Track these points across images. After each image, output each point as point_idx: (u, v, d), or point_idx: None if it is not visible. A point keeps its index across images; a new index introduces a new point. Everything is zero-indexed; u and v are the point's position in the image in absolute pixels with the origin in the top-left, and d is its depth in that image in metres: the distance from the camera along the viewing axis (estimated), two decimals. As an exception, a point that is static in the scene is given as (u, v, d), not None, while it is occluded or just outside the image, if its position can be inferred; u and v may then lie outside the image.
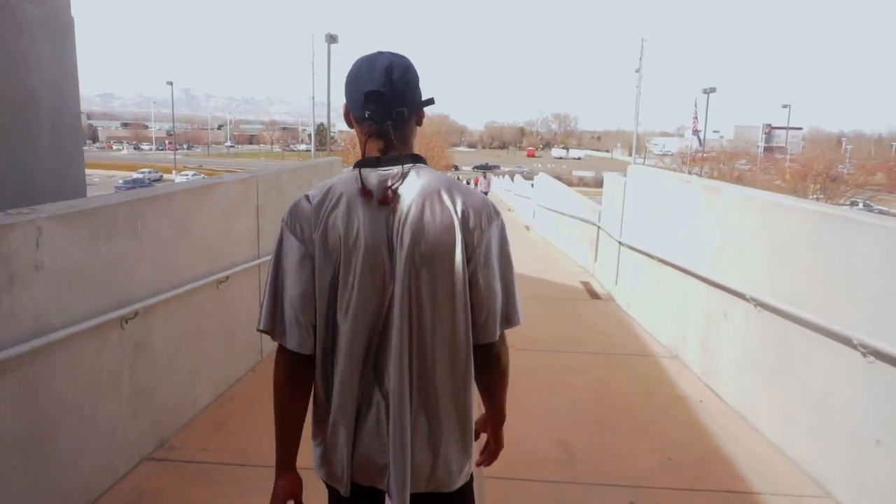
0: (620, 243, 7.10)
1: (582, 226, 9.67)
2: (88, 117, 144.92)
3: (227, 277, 3.93)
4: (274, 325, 1.34)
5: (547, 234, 14.00)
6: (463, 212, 1.32)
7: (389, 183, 1.31)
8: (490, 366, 1.44)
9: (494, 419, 1.58)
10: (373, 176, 1.32)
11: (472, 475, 1.46)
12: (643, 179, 6.54)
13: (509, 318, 1.42)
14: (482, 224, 1.33)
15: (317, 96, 31.62)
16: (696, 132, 54.28)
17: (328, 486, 1.45)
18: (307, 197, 1.34)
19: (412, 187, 1.31)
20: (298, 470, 1.46)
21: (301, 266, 1.32)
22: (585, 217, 9.32)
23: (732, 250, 4.25)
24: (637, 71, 33.17)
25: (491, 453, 1.63)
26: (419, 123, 1.42)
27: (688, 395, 4.34)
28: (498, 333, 1.40)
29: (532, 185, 21.70)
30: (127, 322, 2.87)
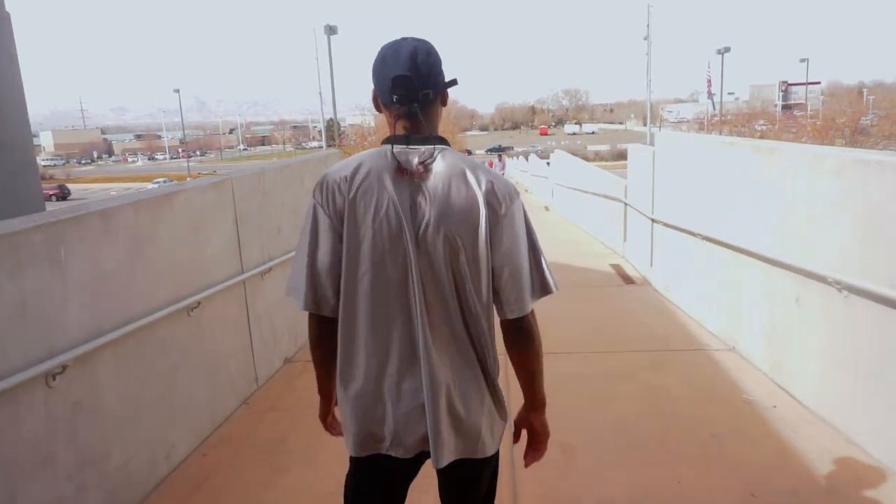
0: (653, 220, 6.37)
1: (606, 203, 8.92)
2: (103, 132, 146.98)
3: (199, 302, 3.32)
4: (297, 291, 1.44)
5: (567, 213, 13.25)
6: (487, 190, 1.38)
7: (420, 159, 1.38)
8: (523, 342, 1.48)
9: (535, 405, 1.58)
10: (402, 153, 1.38)
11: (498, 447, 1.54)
12: (675, 147, 5.79)
13: (544, 286, 1.47)
14: (506, 201, 1.39)
15: (324, 92, 31.04)
16: (710, 95, 52.70)
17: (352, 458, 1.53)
18: (335, 171, 1.40)
19: (439, 166, 1.38)
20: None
21: (327, 238, 1.40)
22: (610, 193, 8.58)
23: (801, 223, 3.52)
24: (645, 38, 31.93)
25: (537, 446, 1.61)
26: (444, 104, 1.48)
27: (756, 398, 3.64)
28: (530, 306, 1.45)
29: (548, 163, 20.89)
30: (55, 378, 2.27)
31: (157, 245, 3.04)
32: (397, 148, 1.38)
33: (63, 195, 43.35)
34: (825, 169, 3.29)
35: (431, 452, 1.41)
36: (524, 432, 1.61)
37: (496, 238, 1.38)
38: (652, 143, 6.45)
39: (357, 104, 30.43)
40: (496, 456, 1.55)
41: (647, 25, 31.95)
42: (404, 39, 1.41)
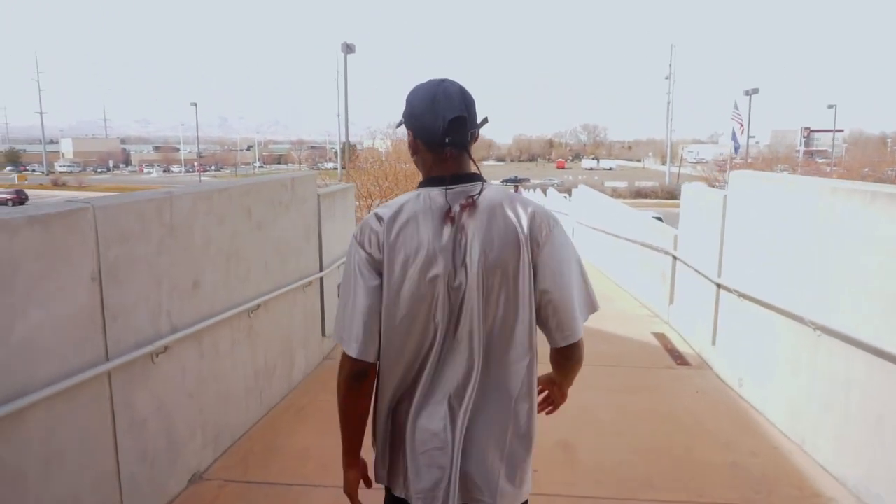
0: (720, 286, 4.84)
1: (646, 253, 7.40)
2: (124, 142, 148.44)
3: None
4: (340, 333, 1.43)
5: (592, 257, 11.71)
6: (528, 221, 1.39)
7: (469, 197, 1.39)
8: (571, 366, 1.56)
9: (561, 383, 1.64)
10: (442, 195, 1.39)
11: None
12: (757, 191, 4.30)
13: (592, 304, 1.51)
14: (545, 228, 1.40)
15: (345, 114, 30.11)
16: (736, 138, 51.38)
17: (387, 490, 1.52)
18: (377, 215, 1.40)
19: (481, 205, 1.39)
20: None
21: (369, 280, 1.39)
22: (653, 243, 7.05)
23: None
24: (667, 78, 30.97)
25: (552, 401, 1.68)
26: (475, 142, 1.49)
27: None
28: (581, 331, 1.46)
29: (566, 197, 19.45)
30: None
31: None
32: (437, 190, 1.39)
33: (21, 200, 42.31)
34: None
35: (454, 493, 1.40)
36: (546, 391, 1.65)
37: (541, 266, 1.39)
38: (725, 187, 4.95)
39: (368, 127, 29.37)
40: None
41: (670, 65, 30.90)
42: (445, 80, 1.43)
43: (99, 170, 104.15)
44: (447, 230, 1.36)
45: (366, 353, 1.40)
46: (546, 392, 1.67)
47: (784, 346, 3.78)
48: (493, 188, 1.43)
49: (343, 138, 32.80)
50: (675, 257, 6.19)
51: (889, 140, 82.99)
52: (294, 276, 4.54)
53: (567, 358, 1.50)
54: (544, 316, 1.42)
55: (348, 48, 27.49)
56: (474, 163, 1.45)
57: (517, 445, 1.45)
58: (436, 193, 1.38)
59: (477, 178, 1.43)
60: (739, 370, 4.48)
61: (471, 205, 1.37)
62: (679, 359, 5.31)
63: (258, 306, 3.83)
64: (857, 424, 3.06)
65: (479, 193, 1.39)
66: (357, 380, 1.43)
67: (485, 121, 1.46)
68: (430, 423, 1.40)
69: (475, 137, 1.45)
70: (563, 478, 3.23)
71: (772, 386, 3.97)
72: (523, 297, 1.39)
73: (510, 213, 1.38)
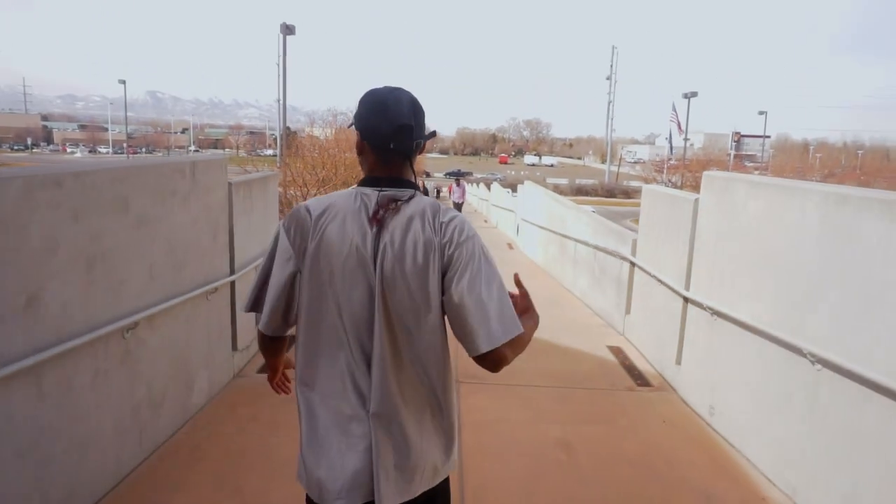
0: (688, 300, 4.33)
1: (599, 257, 6.90)
2: (45, 118, 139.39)
3: None
4: (255, 308, 1.53)
5: (538, 257, 11.23)
6: (442, 231, 1.40)
7: (391, 205, 1.42)
8: (495, 368, 1.42)
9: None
10: (373, 196, 1.43)
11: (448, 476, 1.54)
12: (737, 196, 3.78)
13: (515, 323, 1.39)
14: (459, 239, 1.39)
15: (287, 99, 28.66)
16: (672, 140, 52.64)
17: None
18: (307, 207, 1.44)
19: (407, 210, 1.42)
20: None
21: (285, 266, 1.44)
22: (609, 247, 6.54)
23: None
24: (608, 78, 31.06)
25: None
26: (421, 152, 1.52)
27: None
28: (497, 341, 1.35)
29: (511, 194, 19.02)
30: None
31: None
32: (369, 190, 1.44)
33: None
34: None
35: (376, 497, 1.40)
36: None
37: (452, 275, 1.38)
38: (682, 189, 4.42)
39: (309, 113, 28.15)
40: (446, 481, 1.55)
41: (611, 66, 31.04)
42: (398, 89, 1.46)
43: (16, 147, 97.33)
44: (370, 230, 1.40)
45: (267, 328, 1.51)
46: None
47: (772, 377, 3.27)
48: (423, 199, 1.46)
49: (282, 123, 31.38)
50: (633, 264, 5.68)
51: (812, 147, 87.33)
52: (194, 281, 3.72)
53: (489, 367, 1.43)
54: (457, 328, 1.40)
55: (288, 29, 26.14)
56: (413, 172, 1.48)
57: (434, 447, 1.50)
58: (368, 193, 1.43)
59: (411, 185, 1.46)
60: (709, 396, 3.97)
61: (394, 209, 1.41)
62: (640, 379, 4.78)
63: (137, 324, 3.01)
64: (869, 480, 2.55)
65: (407, 200, 1.43)
66: (265, 344, 1.63)
67: (433, 134, 1.52)
68: (335, 413, 1.43)
69: (421, 148, 1.48)
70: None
71: (753, 421, 3.46)
72: (433, 303, 1.40)
73: (429, 224, 1.41)
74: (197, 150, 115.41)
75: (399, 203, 1.41)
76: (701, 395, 4.10)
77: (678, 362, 4.51)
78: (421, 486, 1.45)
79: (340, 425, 1.41)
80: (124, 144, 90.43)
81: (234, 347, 4.54)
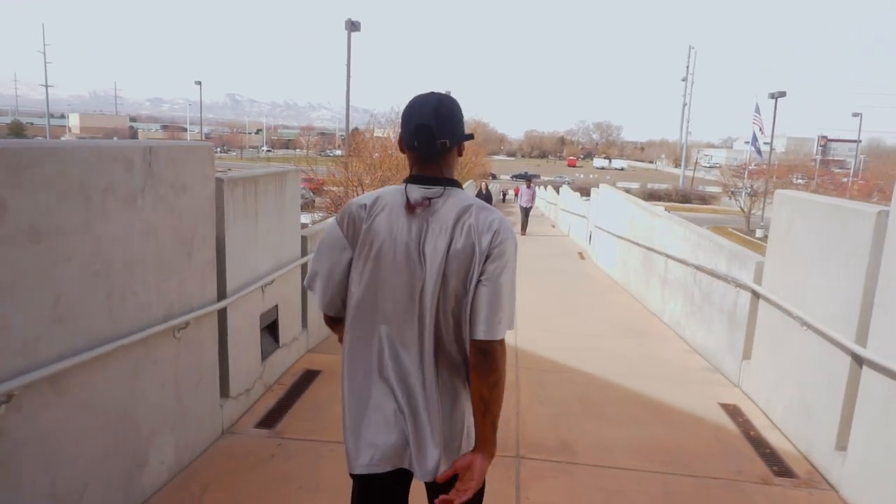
0: (863, 360, 2.91)
1: (698, 277, 5.47)
2: (133, 119, 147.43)
3: None
4: (312, 288, 1.69)
5: (612, 268, 9.79)
6: (488, 229, 1.52)
7: (427, 196, 1.55)
8: (485, 367, 1.51)
9: (483, 444, 1.57)
10: (416, 191, 1.56)
11: None
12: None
13: (511, 322, 1.55)
14: (502, 244, 1.51)
15: (352, 98, 28.06)
16: (756, 142, 49.07)
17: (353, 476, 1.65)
18: (357, 202, 1.60)
19: (447, 204, 1.55)
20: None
21: (341, 255, 1.60)
22: (716, 269, 5.10)
23: None
24: (684, 80, 28.79)
25: (463, 487, 1.55)
26: (460, 154, 1.63)
27: None
28: (501, 334, 1.51)
29: (583, 198, 17.49)
30: None
31: None
32: (412, 187, 1.56)
33: None
34: None
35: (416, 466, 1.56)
36: (455, 469, 1.57)
37: (485, 267, 1.51)
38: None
39: (371, 111, 27.43)
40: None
41: (687, 67, 28.75)
42: (432, 93, 1.58)
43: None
44: (414, 223, 1.53)
45: (330, 309, 1.70)
46: (454, 467, 1.58)
47: None
48: (460, 195, 1.57)
49: (348, 122, 30.95)
50: (756, 294, 4.27)
51: (911, 153, 79.98)
52: (147, 315, 2.65)
53: (478, 361, 1.51)
54: (472, 308, 1.50)
55: (353, 26, 25.49)
56: (443, 169, 1.57)
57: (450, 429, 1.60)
58: (409, 189, 1.56)
59: (442, 182, 1.56)
60: (909, 518, 2.55)
61: (426, 205, 1.53)
62: (776, 464, 3.38)
63: (10, 396, 1.94)
64: None
65: (440, 196, 1.54)
66: (330, 322, 1.78)
67: (469, 136, 1.60)
68: (382, 401, 1.57)
69: (450, 148, 1.56)
70: None
71: None
72: (469, 291, 1.51)
73: (472, 220, 1.52)
74: (269, 150, 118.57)
75: (429, 199, 1.54)
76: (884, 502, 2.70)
77: (840, 447, 3.11)
78: (461, 451, 1.58)
79: (379, 403, 1.56)
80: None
81: (225, 394, 3.47)
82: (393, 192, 1.58)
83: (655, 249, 7.16)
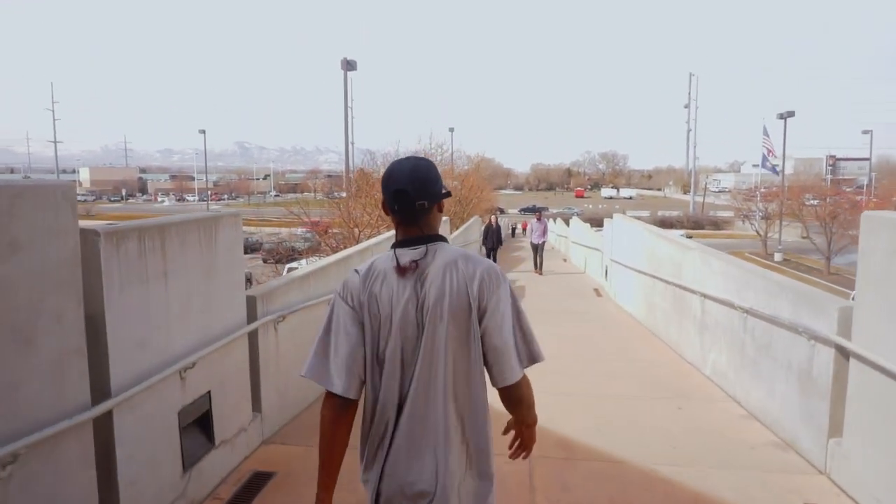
0: None
1: (750, 323, 4.39)
2: (144, 171, 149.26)
3: None
4: (322, 374, 1.62)
5: (634, 306, 8.70)
6: (477, 277, 1.60)
7: (414, 259, 1.62)
8: (515, 404, 1.69)
9: (525, 422, 1.75)
10: (404, 254, 1.63)
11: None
12: None
13: (532, 356, 1.65)
14: (491, 285, 1.61)
15: (360, 142, 27.49)
16: (766, 163, 48.03)
17: None
18: (355, 270, 1.67)
19: (434, 261, 1.62)
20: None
21: (352, 326, 1.63)
22: (777, 315, 4.03)
23: None
24: (686, 106, 28.14)
25: (522, 447, 1.78)
26: (440, 210, 1.71)
27: None
28: (518, 375, 1.62)
29: (593, 229, 16.47)
30: None
31: None
32: (400, 251, 1.64)
33: None
34: None
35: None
36: (512, 431, 1.77)
37: (485, 318, 1.59)
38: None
39: (369, 150, 26.80)
40: None
41: (689, 94, 28.08)
42: (408, 158, 1.69)
43: (113, 199, 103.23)
44: (408, 283, 1.60)
45: (349, 390, 1.62)
46: (514, 432, 1.77)
47: None
48: (448, 249, 1.65)
49: (348, 162, 30.35)
50: (845, 352, 3.20)
51: (922, 171, 78.43)
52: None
53: (508, 399, 1.66)
54: (488, 361, 1.61)
55: (349, 65, 25.06)
56: (423, 229, 1.65)
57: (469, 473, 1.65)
58: (396, 253, 1.63)
59: (427, 240, 1.64)
60: None
61: (413, 268, 1.60)
62: None
63: None
64: None
65: (424, 256, 1.62)
66: (336, 420, 1.64)
67: (447, 194, 1.69)
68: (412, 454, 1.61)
69: (429, 208, 1.65)
70: None
71: None
72: (472, 338, 1.59)
73: (462, 270, 1.60)
74: (277, 195, 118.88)
75: (416, 262, 1.61)
76: None
77: None
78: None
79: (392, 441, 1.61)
80: (208, 192, 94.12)
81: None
82: (384, 259, 1.65)
83: (687, 287, 6.10)
